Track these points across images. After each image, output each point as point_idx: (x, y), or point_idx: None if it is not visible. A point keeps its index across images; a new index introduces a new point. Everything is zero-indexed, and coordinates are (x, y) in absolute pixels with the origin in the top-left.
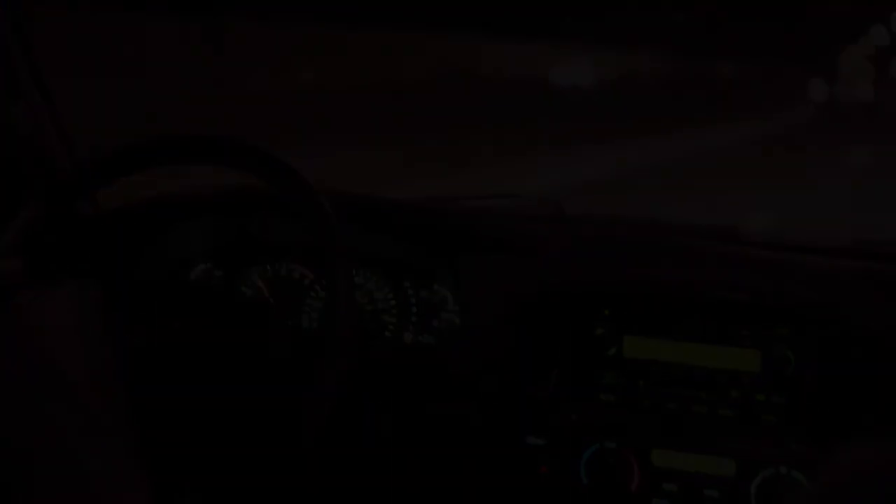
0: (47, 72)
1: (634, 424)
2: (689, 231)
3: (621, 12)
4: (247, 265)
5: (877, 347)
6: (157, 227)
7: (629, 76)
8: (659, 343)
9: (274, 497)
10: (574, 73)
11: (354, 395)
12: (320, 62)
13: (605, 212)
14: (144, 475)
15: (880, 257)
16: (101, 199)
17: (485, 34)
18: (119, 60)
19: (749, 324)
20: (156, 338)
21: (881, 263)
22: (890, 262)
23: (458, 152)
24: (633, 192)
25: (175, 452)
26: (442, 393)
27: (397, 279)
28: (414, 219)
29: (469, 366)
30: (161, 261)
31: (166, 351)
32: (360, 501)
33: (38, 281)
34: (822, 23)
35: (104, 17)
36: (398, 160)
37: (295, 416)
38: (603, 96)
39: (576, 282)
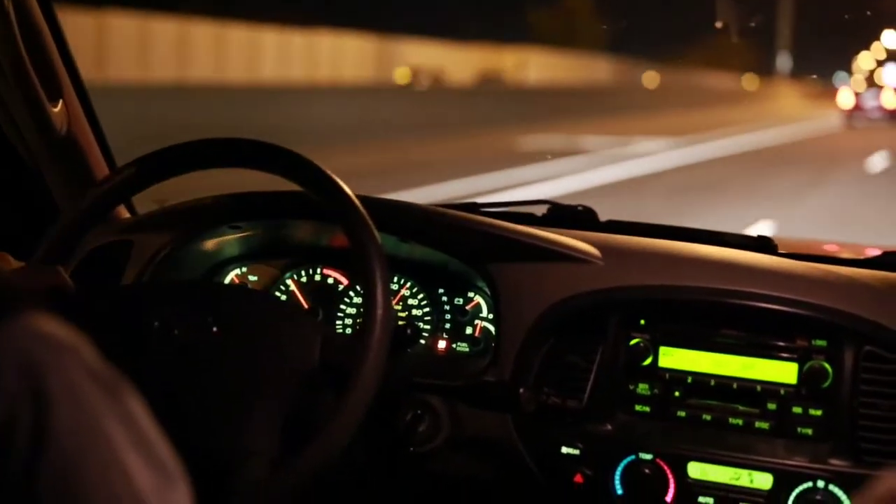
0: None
1: (670, 436)
2: (724, 239)
3: None
4: (281, 270)
5: None
6: (191, 231)
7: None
8: (695, 354)
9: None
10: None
11: (389, 400)
12: None
13: (639, 218)
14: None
15: None
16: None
17: None
18: None
19: (786, 336)
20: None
21: None
22: None
23: None
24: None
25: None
26: (476, 401)
27: (432, 286)
28: (448, 226)
29: (504, 374)
30: (196, 265)
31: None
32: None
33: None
34: None
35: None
36: None
37: (330, 418)
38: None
39: (611, 291)
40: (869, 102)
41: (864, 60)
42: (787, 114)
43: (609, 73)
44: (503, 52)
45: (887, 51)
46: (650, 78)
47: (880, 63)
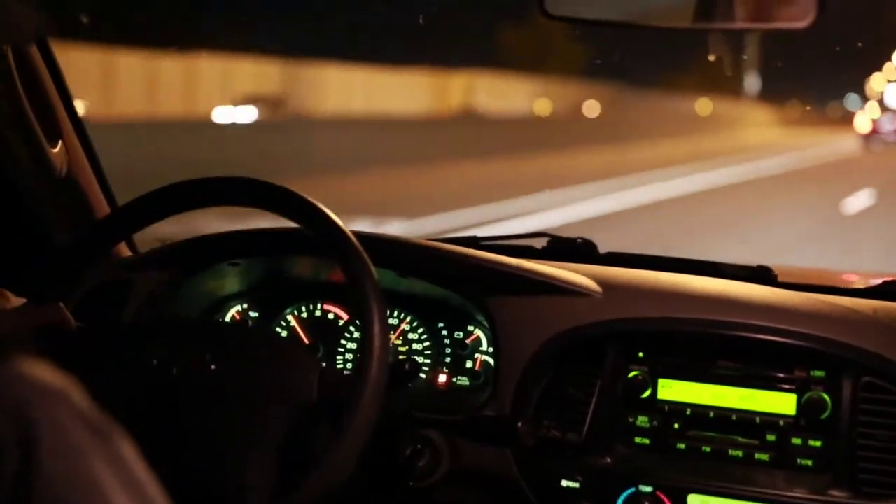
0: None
1: (670, 468)
2: (723, 270)
3: None
4: (281, 306)
5: None
6: (191, 269)
7: None
8: (693, 386)
9: None
10: None
11: (389, 435)
12: None
13: (638, 250)
14: None
15: None
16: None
17: None
18: None
19: (784, 367)
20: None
21: None
22: None
23: None
24: None
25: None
26: (476, 435)
27: (432, 320)
28: (447, 260)
29: (503, 408)
30: (196, 303)
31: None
32: None
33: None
34: None
35: None
36: None
37: (326, 455)
38: None
39: (609, 323)
40: (885, 126)
41: (877, 82)
42: (749, 146)
43: (568, 99)
44: (455, 76)
45: None
46: (591, 107)
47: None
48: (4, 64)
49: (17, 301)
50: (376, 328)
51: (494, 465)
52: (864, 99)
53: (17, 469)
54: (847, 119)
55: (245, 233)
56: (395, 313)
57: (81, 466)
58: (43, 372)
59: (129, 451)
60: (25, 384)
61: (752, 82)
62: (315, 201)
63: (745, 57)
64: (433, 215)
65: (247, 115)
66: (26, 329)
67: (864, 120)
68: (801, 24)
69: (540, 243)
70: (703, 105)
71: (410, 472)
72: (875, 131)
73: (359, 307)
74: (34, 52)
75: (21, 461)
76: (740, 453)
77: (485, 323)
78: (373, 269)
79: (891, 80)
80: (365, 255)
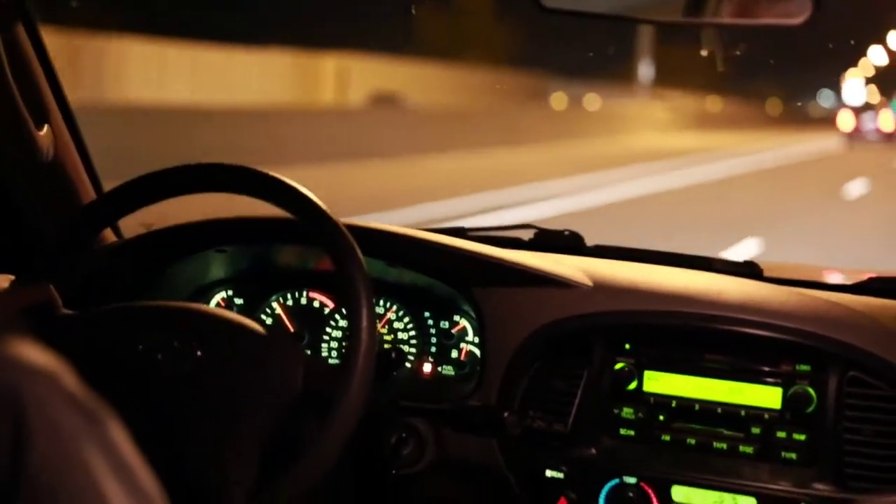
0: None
1: (654, 459)
2: (711, 264)
3: None
4: (267, 293)
5: None
6: (177, 255)
7: None
8: (679, 378)
9: None
10: None
11: (374, 423)
12: None
13: (625, 243)
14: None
15: None
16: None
17: None
18: None
19: (770, 361)
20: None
21: None
22: None
23: None
24: None
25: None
26: (461, 424)
27: (418, 310)
28: (435, 250)
29: (489, 398)
30: (181, 289)
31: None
32: None
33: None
34: None
35: None
36: None
37: (311, 446)
38: None
39: (596, 315)
40: (867, 125)
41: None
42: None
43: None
44: (327, 58)
45: (876, 68)
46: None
47: (870, 81)
48: None
49: (3, 281)
50: (364, 317)
51: (479, 454)
52: (839, 95)
53: (8, 451)
54: (792, 119)
55: (232, 220)
56: (382, 302)
57: (71, 450)
58: (32, 353)
59: (119, 435)
60: (14, 365)
61: (645, 71)
62: (305, 190)
63: (738, 52)
64: None
65: None
66: (14, 309)
67: (846, 119)
68: (796, 20)
69: (527, 235)
70: (558, 99)
71: (395, 460)
72: (857, 130)
73: (347, 296)
74: (21, 34)
75: (12, 443)
76: (725, 446)
77: (471, 313)
78: (362, 258)
79: (868, 76)
80: (354, 245)
